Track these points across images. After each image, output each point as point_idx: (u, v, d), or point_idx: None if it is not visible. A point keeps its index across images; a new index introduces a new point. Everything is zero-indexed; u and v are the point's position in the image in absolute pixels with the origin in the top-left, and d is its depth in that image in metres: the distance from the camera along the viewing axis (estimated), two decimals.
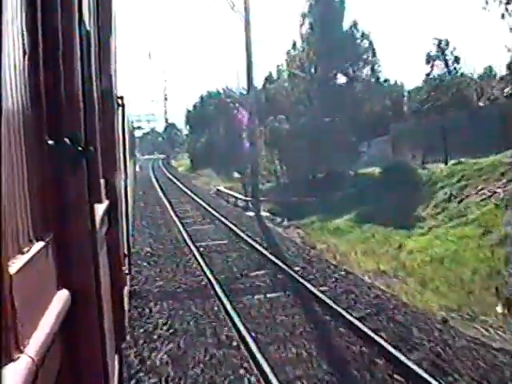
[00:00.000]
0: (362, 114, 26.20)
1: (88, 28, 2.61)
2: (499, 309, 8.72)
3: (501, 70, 27.04)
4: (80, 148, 1.74)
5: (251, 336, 7.28)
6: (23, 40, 1.32)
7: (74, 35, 1.77)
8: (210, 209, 21.58)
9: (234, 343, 7.18)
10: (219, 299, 9.12)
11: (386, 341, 6.93)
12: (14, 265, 1.09)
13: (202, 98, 53.09)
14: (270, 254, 12.59)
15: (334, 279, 10.45)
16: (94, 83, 2.89)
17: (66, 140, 1.60)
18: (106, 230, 3.11)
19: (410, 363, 6.18)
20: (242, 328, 7.57)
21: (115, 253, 3.71)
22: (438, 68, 28.89)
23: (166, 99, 78.48)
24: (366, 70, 26.74)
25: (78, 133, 1.76)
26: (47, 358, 1.21)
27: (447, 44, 28.69)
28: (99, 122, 3.10)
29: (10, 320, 0.99)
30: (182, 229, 16.93)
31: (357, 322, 7.67)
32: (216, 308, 8.76)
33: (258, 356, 6.54)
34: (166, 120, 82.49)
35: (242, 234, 15.34)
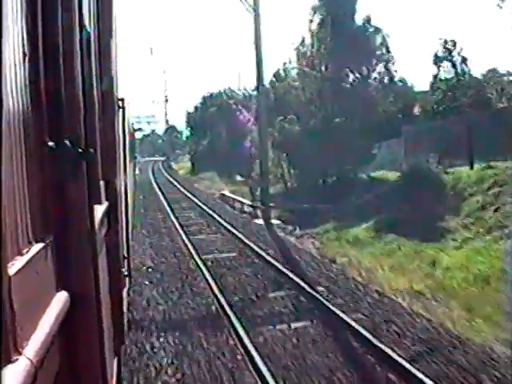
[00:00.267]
0: (375, 115, 24.69)
1: (88, 30, 2.64)
2: None
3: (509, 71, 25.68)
4: (80, 150, 1.73)
5: None
6: (23, 42, 1.33)
7: (74, 37, 1.77)
8: (214, 215, 20.15)
9: None
10: (235, 330, 7.63)
11: None
12: (14, 266, 1.08)
13: (204, 98, 51.51)
14: (287, 269, 11.14)
15: (366, 303, 8.95)
16: (95, 85, 2.93)
17: (67, 142, 1.61)
18: (105, 232, 3.09)
19: None
20: (267, 374, 6.07)
21: (114, 254, 3.67)
22: (445, 69, 27.48)
23: (166, 100, 77.43)
24: (379, 68, 25.20)
25: (79, 135, 1.75)
26: (46, 359, 1.20)
27: (454, 45, 27.29)
28: (99, 124, 3.10)
29: (8, 322, 0.98)
30: (185, 238, 15.47)
31: (409, 366, 6.18)
32: (232, 342, 7.28)
33: None
34: (167, 121, 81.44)
35: (252, 246, 13.86)
